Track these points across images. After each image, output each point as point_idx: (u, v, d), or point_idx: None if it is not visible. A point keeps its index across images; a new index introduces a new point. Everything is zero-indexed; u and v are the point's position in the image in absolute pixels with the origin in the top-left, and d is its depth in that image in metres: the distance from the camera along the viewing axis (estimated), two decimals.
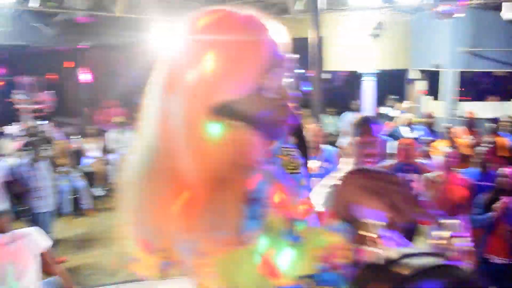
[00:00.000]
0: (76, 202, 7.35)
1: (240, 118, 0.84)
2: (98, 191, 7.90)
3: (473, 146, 5.60)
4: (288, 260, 0.81)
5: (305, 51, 7.82)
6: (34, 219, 5.32)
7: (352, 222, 0.83)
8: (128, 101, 12.43)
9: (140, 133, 0.93)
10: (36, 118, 8.61)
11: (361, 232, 0.84)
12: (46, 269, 3.54)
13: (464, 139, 6.27)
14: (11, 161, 7.23)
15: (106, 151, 8.30)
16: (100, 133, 8.89)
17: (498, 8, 7.43)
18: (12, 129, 9.52)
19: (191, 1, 9.13)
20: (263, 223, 0.80)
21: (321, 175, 3.86)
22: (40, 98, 8.76)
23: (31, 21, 7.39)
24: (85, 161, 8.01)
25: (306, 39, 7.11)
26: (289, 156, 1.15)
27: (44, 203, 5.52)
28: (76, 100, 10.33)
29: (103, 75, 12.70)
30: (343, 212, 0.85)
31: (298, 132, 1.26)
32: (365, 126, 2.14)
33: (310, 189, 1.14)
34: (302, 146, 1.25)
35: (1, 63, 11.38)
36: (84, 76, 9.58)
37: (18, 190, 5.58)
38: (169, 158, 0.85)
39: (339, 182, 0.87)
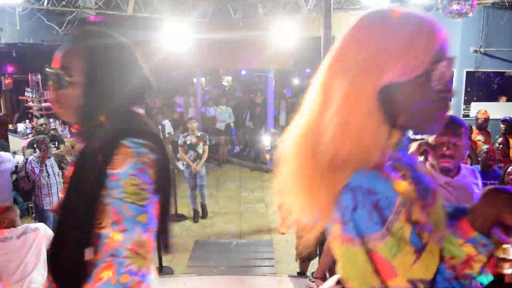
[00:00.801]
0: None
1: (401, 102, 0.86)
2: None
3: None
4: (406, 263, 0.80)
5: (317, 51, 7.79)
6: (41, 216, 5.35)
7: (490, 238, 0.83)
8: None
9: (303, 109, 0.96)
10: (46, 116, 8.68)
11: (499, 253, 0.83)
12: None
13: (476, 139, 6.20)
14: (21, 157, 7.29)
15: None
16: None
17: (510, 7, 7.33)
18: (22, 126, 9.62)
19: (202, 0, 9.15)
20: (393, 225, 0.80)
21: None
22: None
23: (44, 20, 7.44)
24: None
25: (318, 38, 7.08)
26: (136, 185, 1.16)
27: (52, 200, 5.55)
28: None
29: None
30: (483, 226, 0.83)
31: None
32: (449, 126, 2.11)
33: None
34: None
35: (13, 61, 11.50)
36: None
37: (27, 186, 5.62)
38: (316, 134, 0.88)
39: (484, 197, 0.86)
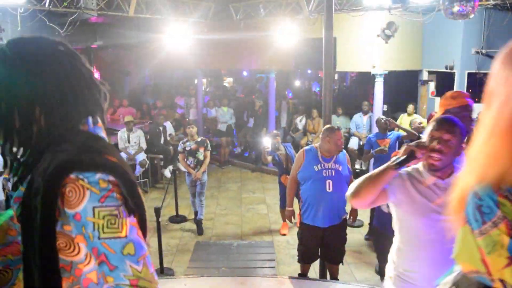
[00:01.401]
0: None
1: None
2: None
3: None
4: (498, 263, 0.92)
5: (318, 52, 7.78)
6: None
7: None
8: (138, 101, 12.52)
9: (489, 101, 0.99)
10: None
11: None
12: None
13: None
14: None
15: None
16: (111, 133, 8.91)
17: (511, 8, 7.32)
18: None
19: (203, 1, 9.15)
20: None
21: (335, 178, 3.76)
22: None
23: (46, 21, 7.42)
24: None
25: (319, 39, 7.07)
26: (106, 216, 1.04)
27: None
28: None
29: (114, 75, 12.78)
30: None
31: None
32: (444, 123, 2.11)
33: None
34: None
35: None
36: (95, 75, 9.62)
37: None
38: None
39: None
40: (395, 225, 2.30)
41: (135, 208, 1.10)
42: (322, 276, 4.49)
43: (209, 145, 6.61)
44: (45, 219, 1.04)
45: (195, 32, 8.77)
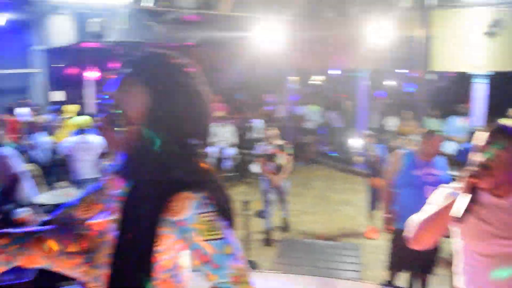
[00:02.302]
0: None
1: None
2: None
3: None
4: None
5: (414, 50, 7.45)
6: None
7: None
8: (229, 97, 12.85)
9: None
10: None
11: None
12: None
13: None
14: None
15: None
16: None
17: None
18: None
19: None
20: None
21: (434, 183, 3.54)
22: None
23: (144, 20, 7.89)
24: None
25: (415, 37, 6.77)
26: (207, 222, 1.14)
27: None
28: None
29: (207, 71, 13.23)
30: None
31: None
32: (500, 133, 1.82)
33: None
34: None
35: (117, 59, 12.37)
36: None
37: None
38: None
39: None
40: (457, 247, 2.09)
41: (225, 216, 1.21)
42: (411, 286, 4.29)
43: (290, 149, 6.18)
44: (152, 226, 1.15)
45: (287, 30, 8.80)
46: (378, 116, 10.48)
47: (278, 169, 5.99)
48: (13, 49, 12.22)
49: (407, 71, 13.80)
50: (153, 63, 1.22)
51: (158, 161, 1.19)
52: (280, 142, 6.10)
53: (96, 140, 5.97)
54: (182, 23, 8.68)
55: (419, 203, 3.80)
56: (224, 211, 1.20)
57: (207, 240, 1.13)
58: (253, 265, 5.33)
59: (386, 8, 8.16)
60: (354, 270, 4.85)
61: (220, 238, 1.14)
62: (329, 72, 15.55)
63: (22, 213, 4.64)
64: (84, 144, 5.97)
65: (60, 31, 9.09)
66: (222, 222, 1.17)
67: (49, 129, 8.29)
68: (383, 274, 4.60)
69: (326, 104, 11.31)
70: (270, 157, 6.01)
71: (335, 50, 9.75)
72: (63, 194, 5.41)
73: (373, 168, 5.81)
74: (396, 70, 13.61)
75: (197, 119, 1.24)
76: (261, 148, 6.15)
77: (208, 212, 1.15)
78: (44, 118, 9.43)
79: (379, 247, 5.69)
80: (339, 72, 14.78)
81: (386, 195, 4.22)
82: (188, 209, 1.14)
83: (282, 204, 6.27)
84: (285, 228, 6.37)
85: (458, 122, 8.42)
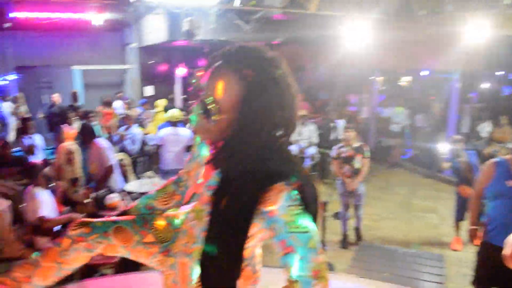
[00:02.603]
0: None
1: None
2: None
3: None
4: None
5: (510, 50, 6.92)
6: None
7: None
8: (313, 96, 12.80)
9: None
10: None
11: None
12: None
13: None
14: None
15: None
16: None
17: None
18: None
19: None
20: None
21: None
22: None
23: (232, 19, 8.08)
24: None
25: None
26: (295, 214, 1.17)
27: None
28: None
29: (292, 70, 13.27)
30: None
31: None
32: None
33: None
34: None
35: (204, 56, 12.84)
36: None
37: None
38: None
39: None
40: None
41: (310, 210, 1.22)
42: None
43: (367, 152, 5.85)
44: (248, 216, 1.19)
45: (374, 29, 8.56)
46: (469, 120, 9.87)
47: (354, 172, 5.76)
48: (110, 47, 13.16)
49: (504, 73, 12.85)
50: (247, 55, 1.24)
51: (252, 151, 1.22)
52: (357, 144, 5.84)
53: (185, 133, 6.26)
54: (269, 22, 8.78)
55: (510, 216, 3.57)
56: (310, 205, 1.22)
57: (293, 232, 1.15)
58: (328, 267, 5.28)
59: (484, 5, 7.64)
60: (437, 282, 4.63)
61: (306, 232, 1.16)
62: (418, 72, 14.89)
63: (113, 199, 4.99)
64: (174, 136, 6.27)
65: (154, 30, 9.61)
66: (308, 216, 1.19)
67: (140, 121, 8.82)
68: None
69: (413, 106, 10.85)
70: (346, 160, 5.79)
71: (425, 50, 9.31)
72: (149, 183, 5.73)
73: (462, 176, 5.48)
74: (492, 72, 12.71)
75: (286, 112, 1.25)
76: (337, 150, 5.93)
77: (297, 204, 1.17)
78: (136, 111, 10.04)
79: (463, 259, 5.39)
80: (427, 73, 14.11)
81: (475, 205, 3.96)
82: (280, 200, 1.17)
83: (356, 210, 5.97)
84: (357, 238, 6.03)
85: None
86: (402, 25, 9.13)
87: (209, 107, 1.21)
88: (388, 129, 10.37)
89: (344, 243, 5.90)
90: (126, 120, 7.69)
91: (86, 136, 5.86)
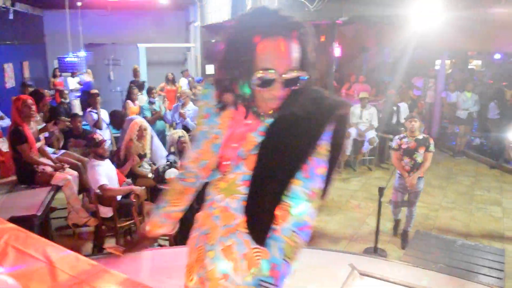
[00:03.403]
0: None
1: None
2: None
3: None
4: None
5: None
6: None
7: None
8: (374, 78, 12.44)
9: None
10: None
11: None
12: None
13: None
14: None
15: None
16: None
17: None
18: None
19: None
20: None
21: None
22: None
23: None
24: None
25: None
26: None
27: None
28: (326, 73, 10.88)
29: (354, 50, 12.93)
30: None
31: None
32: None
33: None
34: None
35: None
36: (336, 51, 9.93)
37: None
38: None
39: None
40: None
41: (335, 146, 1.43)
42: None
43: (432, 146, 5.37)
44: (315, 138, 1.40)
45: (446, 9, 8.11)
46: None
47: (414, 166, 5.35)
48: (174, 25, 13.44)
49: None
50: (299, 26, 1.36)
51: (312, 95, 1.41)
52: (421, 136, 5.41)
53: None
54: (333, 0, 8.57)
55: None
56: (339, 145, 1.43)
57: (315, 156, 1.39)
58: (381, 253, 5.21)
59: None
60: (496, 277, 4.44)
61: (323, 160, 1.40)
62: (490, 56, 14.02)
63: (173, 173, 5.18)
64: None
65: (217, 9, 9.69)
66: (329, 153, 1.41)
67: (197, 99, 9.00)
68: None
69: (483, 92, 10.25)
70: (407, 152, 5.36)
71: (500, 31, 8.72)
72: None
73: None
74: None
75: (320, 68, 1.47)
76: (398, 141, 5.48)
77: (328, 141, 1.40)
78: (197, 88, 10.25)
79: None
80: (499, 56, 13.24)
81: None
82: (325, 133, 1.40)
83: (409, 208, 5.52)
84: (403, 244, 5.51)
85: None
86: (477, 3, 8.58)
87: (286, 75, 1.31)
88: (454, 115, 9.88)
89: (396, 230, 5.74)
90: (183, 97, 7.85)
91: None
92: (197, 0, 10.89)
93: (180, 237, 3.68)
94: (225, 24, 10.13)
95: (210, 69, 12.55)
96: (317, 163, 1.38)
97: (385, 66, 13.34)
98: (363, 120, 8.39)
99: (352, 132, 8.32)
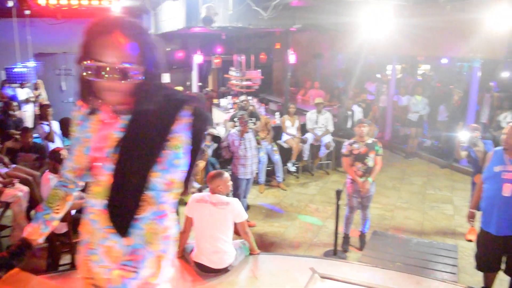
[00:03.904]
0: (270, 174, 7.90)
1: None
2: (291, 167, 8.32)
3: None
4: None
5: None
6: (235, 184, 5.88)
7: None
8: (330, 84, 12.70)
9: None
10: (246, 93, 9.46)
11: None
12: (237, 232, 3.95)
13: None
14: (223, 129, 8.13)
15: (303, 130, 8.65)
16: (300, 113, 9.27)
17: None
18: (225, 101, 10.69)
19: None
20: None
21: None
22: (250, 76, 9.55)
23: (251, 5, 8.00)
24: (283, 137, 8.50)
25: None
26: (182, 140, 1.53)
27: (247, 171, 6.08)
28: (282, 80, 11.00)
29: (308, 57, 13.17)
30: None
31: None
32: None
33: None
34: None
35: (222, 43, 12.80)
36: (291, 57, 10.08)
37: (227, 155, 6.26)
38: None
39: None
40: None
41: (195, 142, 1.54)
42: None
43: (381, 149, 5.43)
44: (166, 131, 1.49)
45: (394, 16, 8.41)
46: (489, 110, 9.68)
47: (367, 170, 5.34)
48: None
49: None
50: (138, 28, 1.50)
51: (157, 89, 1.51)
52: (370, 140, 5.42)
53: None
54: (287, 8, 8.68)
55: (495, 200, 3.77)
56: (197, 138, 1.55)
57: (170, 149, 1.47)
58: (341, 255, 5.29)
59: None
60: (450, 272, 4.62)
61: (178, 152, 1.48)
62: (437, 60, 14.64)
63: None
64: None
65: (171, 17, 9.61)
66: (187, 146, 1.52)
67: None
68: (479, 279, 4.34)
69: (432, 95, 10.68)
70: (358, 157, 5.35)
71: (446, 37, 9.14)
72: None
73: (478, 165, 5.41)
74: None
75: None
76: (349, 146, 5.44)
77: (184, 135, 1.50)
78: None
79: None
80: (447, 61, 13.86)
81: (477, 190, 4.22)
82: (177, 127, 1.49)
83: (363, 211, 5.55)
84: (361, 245, 5.58)
85: None
86: (423, 11, 8.95)
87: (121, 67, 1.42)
88: (405, 118, 10.23)
89: (345, 246, 5.54)
90: None
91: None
92: (150, 9, 10.76)
93: None
94: (178, 32, 10.07)
95: (165, 78, 12.41)
96: (174, 155, 1.47)
97: (339, 72, 13.65)
98: (319, 125, 8.54)
99: (309, 137, 8.45)
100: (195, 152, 1.58)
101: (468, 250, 5.39)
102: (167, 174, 1.47)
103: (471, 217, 4.36)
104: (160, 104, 1.49)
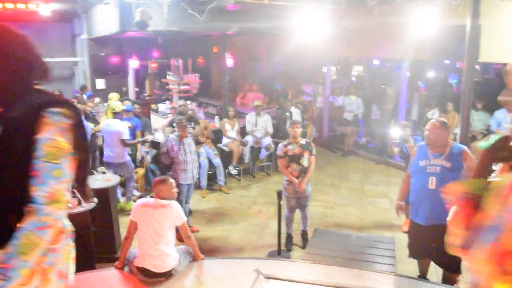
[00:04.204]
0: (211, 178, 7.87)
1: None
2: (233, 170, 8.33)
3: None
4: None
5: (459, 40, 7.18)
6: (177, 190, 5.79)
7: None
8: (267, 86, 12.85)
9: None
10: (184, 98, 9.37)
11: None
12: (180, 238, 3.92)
13: None
14: (162, 135, 7.99)
15: (243, 133, 8.69)
16: (239, 116, 9.31)
17: None
18: (163, 106, 10.53)
19: None
20: None
21: (438, 175, 3.56)
22: (188, 80, 9.48)
23: (186, 9, 7.94)
24: (223, 140, 8.50)
25: (460, 27, 6.54)
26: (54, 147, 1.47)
27: (187, 176, 6.00)
28: (220, 83, 10.99)
29: (246, 60, 13.27)
30: None
31: None
32: None
33: None
34: None
35: (158, 47, 12.60)
36: (228, 61, 10.12)
37: (167, 161, 6.16)
38: None
39: None
40: None
41: (78, 148, 1.52)
42: (444, 282, 4.23)
43: (314, 149, 5.56)
44: (27, 142, 1.44)
45: (327, 19, 8.68)
46: (418, 107, 10.23)
47: (302, 171, 5.44)
48: (59, 38, 12.67)
49: (451, 61, 13.39)
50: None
51: (20, 89, 1.49)
52: (304, 141, 5.54)
53: (117, 125, 6.61)
54: (223, 12, 8.70)
55: (421, 193, 3.98)
56: (76, 145, 1.51)
57: (44, 162, 1.42)
58: (285, 254, 5.37)
59: None
60: (388, 264, 4.82)
61: (55, 163, 1.43)
62: (369, 62, 15.27)
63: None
64: (107, 127, 6.65)
65: (104, 21, 9.33)
66: (68, 153, 1.47)
67: (93, 116, 8.57)
68: (416, 268, 4.57)
69: (365, 95, 11.13)
70: (293, 158, 5.44)
71: (376, 39, 9.55)
72: (103, 178, 5.61)
73: (409, 160, 5.70)
74: (440, 61, 13.20)
75: (36, 60, 1.64)
76: (283, 148, 5.52)
77: (58, 140, 1.44)
78: (89, 105, 9.74)
79: None
80: (378, 62, 14.48)
81: (404, 183, 4.43)
82: (45, 131, 1.43)
83: (302, 211, 5.68)
84: (304, 243, 5.71)
85: (505, 116, 8.08)
86: (354, 15, 9.30)
87: None
88: (341, 117, 10.58)
89: (289, 246, 5.68)
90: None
91: None
92: (81, 13, 10.38)
93: None
94: (112, 37, 9.81)
95: (100, 83, 12.03)
96: (51, 167, 1.44)
97: (277, 74, 13.86)
98: (259, 128, 8.63)
99: (249, 139, 8.51)
100: (83, 158, 1.55)
101: (404, 241, 5.62)
102: (46, 187, 1.43)
103: (399, 208, 4.59)
104: (25, 110, 1.44)
